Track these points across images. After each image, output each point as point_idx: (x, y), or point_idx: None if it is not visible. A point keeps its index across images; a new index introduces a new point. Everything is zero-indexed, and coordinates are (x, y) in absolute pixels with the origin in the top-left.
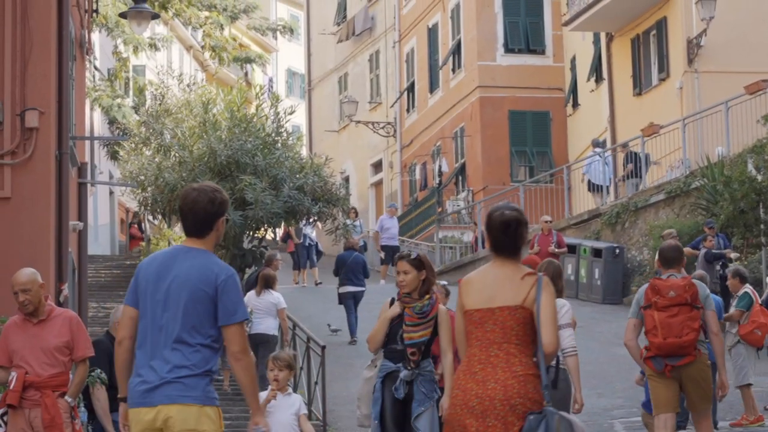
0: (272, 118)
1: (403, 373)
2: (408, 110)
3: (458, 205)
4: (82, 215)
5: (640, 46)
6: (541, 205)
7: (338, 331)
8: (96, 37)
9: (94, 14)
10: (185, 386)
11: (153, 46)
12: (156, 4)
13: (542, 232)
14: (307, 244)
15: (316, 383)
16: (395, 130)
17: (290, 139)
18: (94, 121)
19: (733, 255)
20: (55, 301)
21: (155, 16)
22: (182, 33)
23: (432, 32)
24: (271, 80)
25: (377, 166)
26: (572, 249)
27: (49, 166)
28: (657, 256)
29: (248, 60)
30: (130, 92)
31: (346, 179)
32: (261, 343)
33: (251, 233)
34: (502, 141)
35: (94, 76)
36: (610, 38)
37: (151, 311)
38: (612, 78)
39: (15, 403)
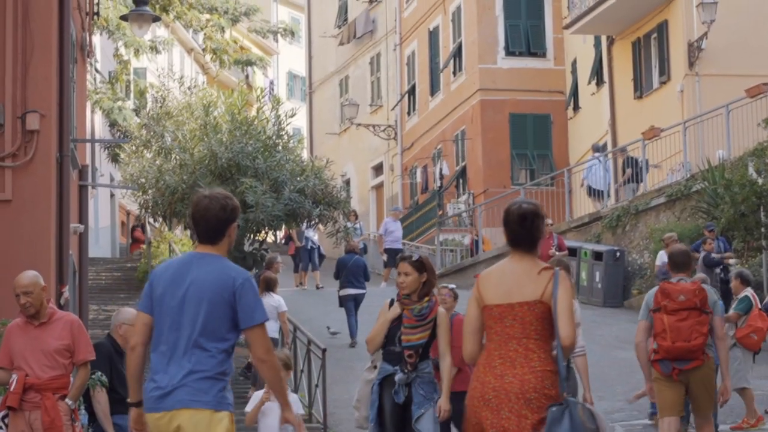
0: (273, 120)
1: (398, 377)
2: (409, 113)
3: (459, 208)
4: (82, 218)
5: (641, 49)
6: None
7: (337, 334)
8: (97, 39)
9: (95, 17)
10: (198, 390)
11: (154, 49)
12: (157, 6)
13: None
14: (309, 247)
15: (316, 386)
16: (396, 133)
17: (291, 141)
18: (95, 123)
19: (732, 261)
20: (56, 304)
21: (156, 19)
22: (183, 36)
23: (433, 35)
24: (272, 83)
25: (378, 169)
26: (573, 252)
27: (50, 168)
28: (667, 261)
29: (249, 63)
30: (131, 95)
31: (347, 182)
32: None
33: (252, 236)
34: (503, 144)
35: (95, 79)
36: (611, 41)
37: (167, 316)
38: (613, 81)
39: (15, 405)
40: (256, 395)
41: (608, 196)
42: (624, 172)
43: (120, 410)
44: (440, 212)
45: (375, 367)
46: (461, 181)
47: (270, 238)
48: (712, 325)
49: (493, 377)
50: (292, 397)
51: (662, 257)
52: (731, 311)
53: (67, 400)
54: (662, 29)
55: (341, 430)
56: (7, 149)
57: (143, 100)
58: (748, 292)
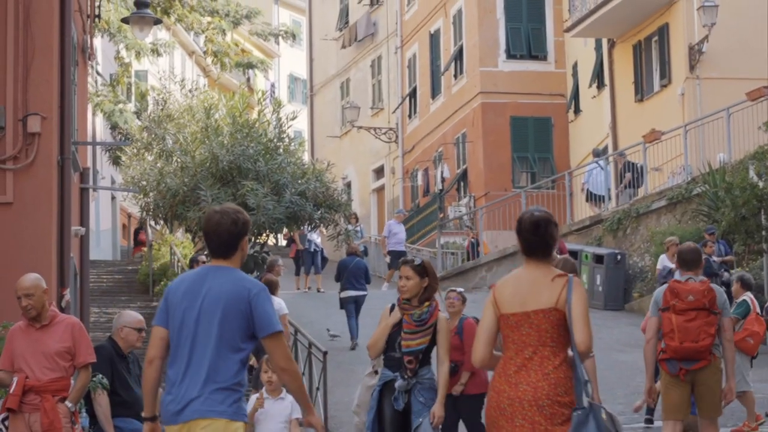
0: (274, 123)
1: (398, 383)
2: (410, 116)
3: (460, 211)
4: (83, 220)
5: (641, 52)
6: None
7: (337, 337)
8: (98, 42)
9: (97, 19)
10: (214, 401)
11: (155, 52)
12: (158, 9)
13: None
14: (312, 249)
15: (317, 389)
16: (397, 136)
17: (292, 144)
18: (96, 126)
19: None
20: (57, 307)
21: (157, 22)
22: (184, 38)
23: (434, 38)
24: (273, 86)
25: (379, 172)
26: (574, 255)
27: (51, 171)
28: (676, 259)
29: (250, 65)
30: (132, 97)
31: (348, 185)
32: (262, 348)
33: (253, 239)
34: (504, 147)
35: (96, 82)
36: (611, 44)
37: (184, 329)
38: (614, 84)
39: (15, 407)
40: (252, 399)
41: (609, 199)
42: (623, 177)
43: (121, 413)
44: (441, 215)
45: (376, 372)
46: (462, 184)
47: (271, 241)
48: (720, 326)
49: (509, 386)
50: (290, 399)
51: (663, 261)
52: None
53: (67, 402)
54: (663, 32)
55: None
56: (9, 152)
57: (144, 102)
58: (747, 296)
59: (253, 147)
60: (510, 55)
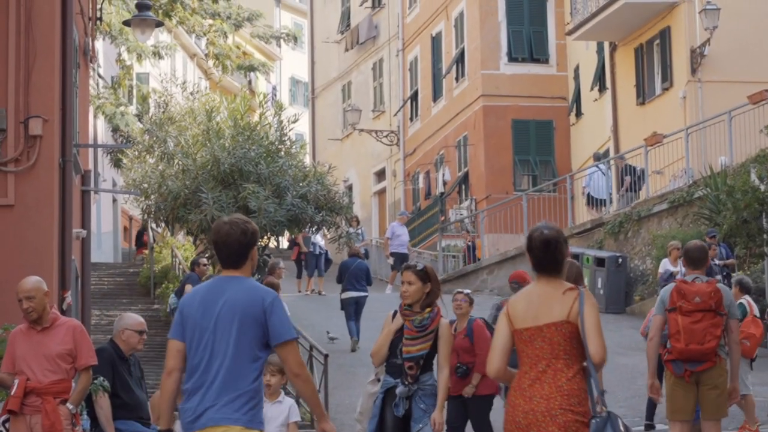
0: (276, 126)
1: (399, 389)
2: (411, 119)
3: (461, 214)
4: (85, 223)
5: (643, 55)
6: (543, 215)
7: (336, 339)
8: (100, 44)
9: (98, 22)
10: (230, 408)
11: (157, 54)
12: (160, 12)
13: None
14: (317, 252)
15: (318, 391)
16: (398, 139)
17: (293, 147)
18: (98, 128)
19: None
20: (59, 309)
21: (159, 24)
22: (186, 41)
23: (435, 41)
24: (274, 88)
25: (380, 175)
26: (575, 258)
27: (53, 173)
28: (682, 256)
29: (252, 68)
30: (134, 100)
31: (349, 188)
32: None
33: None
34: (506, 150)
35: (97, 84)
36: (613, 47)
37: (201, 339)
38: (615, 87)
39: (16, 409)
40: None
41: (610, 202)
42: (623, 181)
43: (122, 415)
44: (442, 218)
45: (378, 380)
46: (463, 186)
47: (272, 244)
48: (726, 327)
49: (523, 400)
50: (288, 402)
51: (665, 265)
52: None
53: (68, 404)
54: (665, 35)
55: None
56: (10, 154)
57: (146, 105)
58: (745, 299)
59: (255, 150)
60: (511, 58)
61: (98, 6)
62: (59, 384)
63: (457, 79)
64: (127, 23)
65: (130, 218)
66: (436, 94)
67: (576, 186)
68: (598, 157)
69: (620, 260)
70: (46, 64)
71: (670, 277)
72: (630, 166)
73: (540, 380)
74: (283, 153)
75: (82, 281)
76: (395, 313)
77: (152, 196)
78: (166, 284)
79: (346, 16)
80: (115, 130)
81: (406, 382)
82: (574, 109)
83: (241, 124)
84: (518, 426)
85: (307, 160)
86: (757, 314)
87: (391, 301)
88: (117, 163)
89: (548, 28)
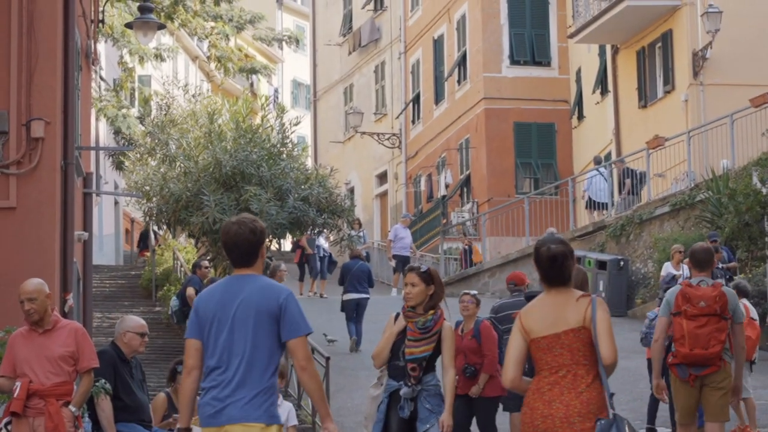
0: (277, 128)
1: (403, 391)
2: (413, 121)
3: (463, 217)
4: (87, 225)
5: (645, 58)
6: (545, 217)
7: (335, 341)
8: (102, 47)
9: (100, 24)
10: (249, 406)
11: (159, 57)
12: (162, 14)
13: None
14: (321, 255)
15: None
16: (400, 142)
17: (295, 150)
18: (100, 131)
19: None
20: (60, 311)
21: (161, 27)
22: (188, 43)
23: (437, 43)
24: (276, 91)
25: (382, 178)
26: (577, 261)
27: (55, 176)
28: (688, 258)
29: (254, 71)
30: (136, 102)
31: (351, 190)
32: None
33: None
34: (507, 153)
35: (99, 87)
36: (615, 50)
37: (219, 337)
38: (617, 90)
39: (19, 411)
40: None
41: (613, 205)
42: (623, 184)
43: (124, 418)
44: (444, 221)
45: (381, 383)
46: (465, 189)
47: (274, 246)
48: (731, 331)
49: (542, 404)
50: (287, 406)
51: (667, 268)
52: None
53: (70, 406)
54: (667, 38)
55: None
56: (12, 157)
57: (148, 107)
58: (742, 302)
59: (257, 152)
60: (513, 61)
61: (100, 8)
62: (62, 386)
63: (459, 81)
64: (129, 26)
65: (132, 221)
66: (438, 97)
67: (578, 189)
68: (598, 161)
69: (622, 263)
70: (48, 66)
71: (672, 280)
72: (629, 169)
73: (559, 384)
74: (284, 156)
75: (84, 283)
76: (397, 315)
77: (154, 199)
78: (168, 287)
79: (348, 18)
80: (117, 132)
81: (410, 384)
82: (576, 112)
83: (242, 126)
84: (536, 429)
85: (309, 162)
86: (754, 317)
87: (396, 303)
88: (119, 166)
89: (550, 30)
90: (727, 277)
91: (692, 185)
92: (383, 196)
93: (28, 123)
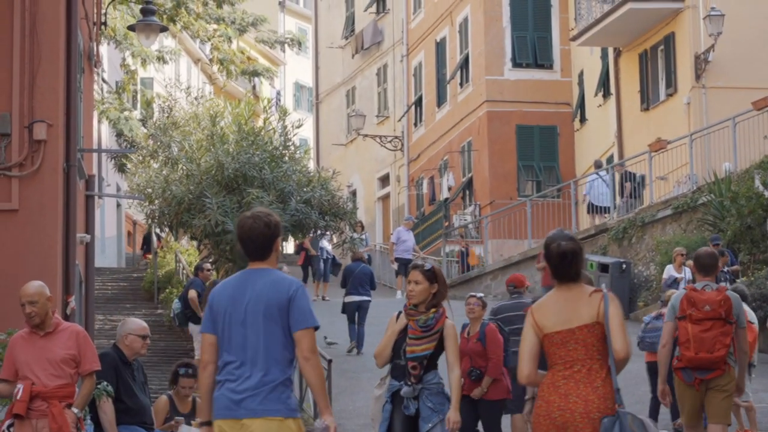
0: (280, 131)
1: (404, 390)
2: (415, 124)
3: (465, 220)
4: (89, 228)
5: (647, 61)
6: (548, 220)
7: (335, 344)
8: (104, 49)
9: (103, 27)
10: (267, 399)
11: (161, 59)
12: (164, 17)
13: None
14: (324, 257)
15: None
16: (402, 144)
17: (297, 152)
18: (102, 133)
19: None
20: (62, 314)
21: (163, 29)
22: (190, 46)
23: (440, 46)
24: (278, 93)
25: (384, 180)
26: None
27: (57, 178)
28: (693, 263)
29: (256, 73)
30: (138, 105)
31: (353, 193)
32: None
33: None
34: (510, 155)
35: (102, 89)
36: (617, 53)
37: (234, 330)
38: (619, 93)
39: (22, 413)
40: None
41: (615, 208)
42: (623, 188)
43: (126, 420)
44: (446, 223)
45: (384, 383)
46: (467, 192)
47: None
48: (735, 335)
49: (558, 396)
50: None
51: (669, 271)
52: None
53: (73, 408)
54: (669, 41)
55: None
56: (14, 159)
57: (150, 110)
58: None
59: (259, 155)
60: (516, 64)
61: (103, 11)
62: (64, 388)
63: (461, 84)
64: (131, 28)
65: (134, 223)
66: (441, 100)
67: (580, 192)
68: (598, 165)
69: (624, 266)
70: (50, 68)
71: (674, 282)
72: (629, 172)
73: (574, 378)
74: (287, 158)
75: (86, 286)
76: (399, 314)
77: (156, 201)
78: (170, 289)
79: (350, 21)
80: (120, 134)
81: (410, 383)
82: (579, 115)
83: (245, 129)
84: (554, 422)
85: (311, 165)
86: (752, 320)
87: (400, 306)
88: (121, 168)
89: (552, 33)
90: (731, 280)
91: (694, 188)
92: (385, 198)
93: (31, 125)
